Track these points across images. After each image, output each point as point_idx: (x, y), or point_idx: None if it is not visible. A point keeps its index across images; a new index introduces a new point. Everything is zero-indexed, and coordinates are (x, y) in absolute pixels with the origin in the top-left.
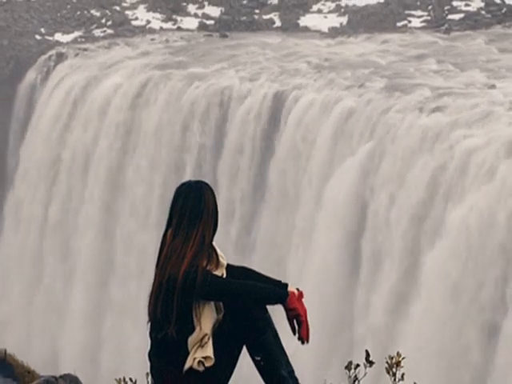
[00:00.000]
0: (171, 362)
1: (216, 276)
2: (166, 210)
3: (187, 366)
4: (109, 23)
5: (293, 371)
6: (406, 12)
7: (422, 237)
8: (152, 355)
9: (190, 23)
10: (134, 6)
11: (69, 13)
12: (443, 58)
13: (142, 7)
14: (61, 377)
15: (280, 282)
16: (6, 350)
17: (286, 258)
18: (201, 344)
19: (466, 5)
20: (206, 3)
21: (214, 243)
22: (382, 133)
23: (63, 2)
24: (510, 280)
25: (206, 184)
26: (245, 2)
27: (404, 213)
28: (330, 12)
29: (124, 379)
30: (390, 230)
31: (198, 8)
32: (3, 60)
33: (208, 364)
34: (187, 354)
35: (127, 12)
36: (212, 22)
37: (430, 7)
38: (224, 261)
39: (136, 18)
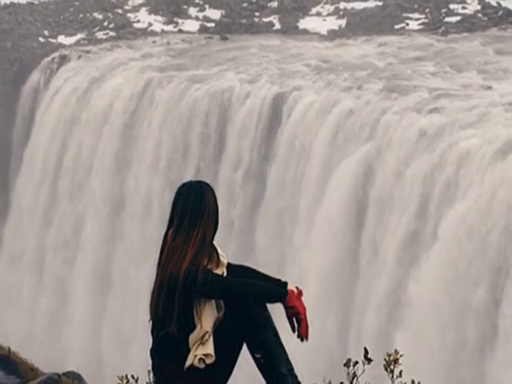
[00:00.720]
0: (172, 359)
1: (217, 275)
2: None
3: (188, 363)
4: (111, 26)
5: (292, 369)
6: (404, 15)
7: (420, 236)
8: (153, 353)
9: (191, 26)
10: (135, 9)
11: (72, 15)
12: (440, 60)
13: (143, 10)
14: (64, 374)
15: (279, 280)
16: (9, 348)
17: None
18: (202, 341)
19: (463, 8)
20: (206, 6)
21: (214, 242)
22: (380, 134)
23: (66, 4)
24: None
25: (207, 184)
26: (245, 4)
27: (402, 212)
28: (328, 15)
29: (126, 376)
30: (388, 230)
31: (199, 11)
32: (7, 62)
33: (209, 361)
34: (188, 351)
35: (129, 15)
36: (213, 24)
37: (427, 10)
38: (224, 260)
39: (138, 21)
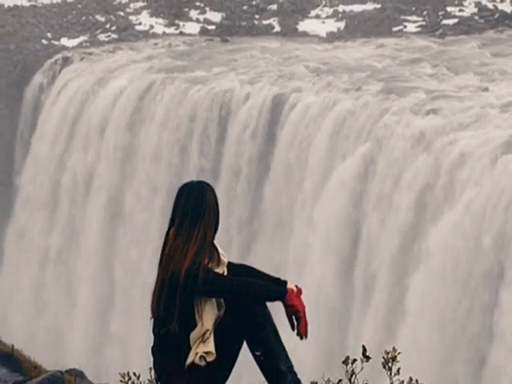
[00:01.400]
0: (173, 356)
1: (217, 273)
2: None
3: (189, 360)
4: (113, 28)
5: (292, 366)
6: (402, 17)
7: (417, 236)
8: (155, 350)
9: (192, 28)
10: (137, 12)
11: (74, 18)
12: (438, 62)
13: (145, 13)
14: (67, 371)
15: (279, 279)
16: (13, 346)
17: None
18: (202, 339)
19: (460, 10)
20: (207, 9)
21: (215, 242)
22: (378, 134)
23: (69, 7)
24: None
25: (208, 184)
26: (245, 7)
27: (400, 212)
28: (327, 17)
29: (128, 374)
30: (386, 230)
31: (200, 13)
32: (11, 64)
33: (209, 359)
34: (189, 349)
35: (131, 17)
36: (213, 27)
37: (424, 13)
38: (225, 259)
39: (139, 23)
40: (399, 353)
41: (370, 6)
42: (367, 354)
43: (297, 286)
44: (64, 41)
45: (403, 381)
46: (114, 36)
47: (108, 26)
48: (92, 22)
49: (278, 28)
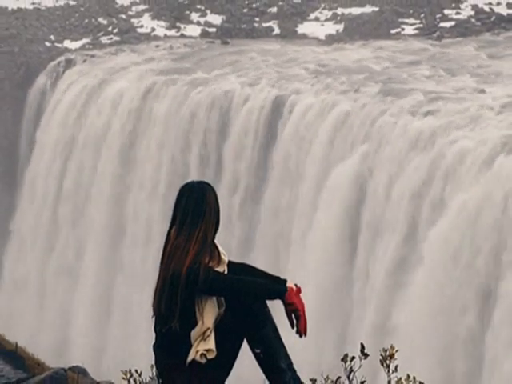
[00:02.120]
0: (175, 354)
1: (218, 272)
2: None
3: (190, 358)
4: (115, 31)
5: (291, 363)
6: (400, 20)
7: (416, 236)
8: (156, 348)
9: (193, 31)
10: (139, 15)
11: (77, 21)
12: (435, 64)
13: (147, 15)
14: (69, 368)
15: (279, 277)
16: (17, 343)
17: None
18: (203, 337)
19: (457, 13)
20: (208, 11)
21: (215, 241)
22: (376, 135)
23: (72, 10)
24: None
25: (209, 185)
26: (245, 10)
27: (399, 212)
28: (326, 20)
29: (130, 371)
30: (386, 230)
31: (201, 16)
32: (15, 66)
33: (210, 356)
34: (190, 346)
35: (133, 20)
36: (214, 29)
37: (422, 15)
38: (225, 258)
39: (141, 26)
40: (397, 350)
41: (368, 9)
42: (365, 351)
43: (296, 285)
44: (67, 43)
45: (401, 378)
46: (116, 38)
47: (110, 28)
48: (94, 25)
49: (277, 30)
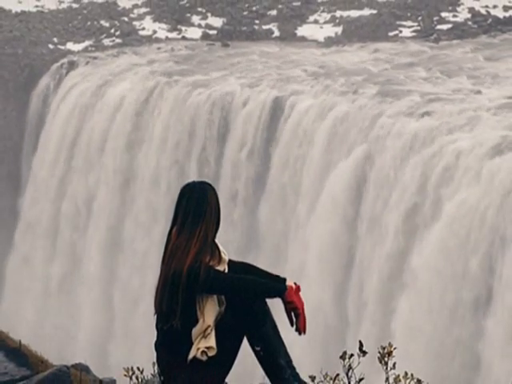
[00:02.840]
0: (176, 351)
1: (218, 271)
2: None
3: (191, 355)
4: (117, 33)
5: (291, 361)
6: (397, 22)
7: (413, 236)
8: (158, 345)
9: (194, 33)
10: (141, 17)
11: (80, 23)
12: (432, 66)
13: (148, 18)
14: (72, 366)
15: (279, 276)
16: (20, 341)
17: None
18: (204, 335)
19: (454, 16)
20: (208, 14)
21: (216, 240)
22: (374, 136)
23: (74, 13)
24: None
25: (209, 185)
26: (245, 13)
27: (397, 213)
28: (325, 22)
29: (132, 368)
30: (384, 231)
31: (202, 19)
32: (18, 68)
33: (211, 354)
34: (191, 344)
35: (135, 22)
36: (214, 31)
37: (419, 18)
38: (226, 257)
39: (143, 28)
40: (395, 348)
41: (366, 12)
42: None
43: (295, 283)
44: (70, 45)
45: (399, 375)
46: (118, 41)
47: (112, 31)
48: (97, 27)
49: (277, 33)
